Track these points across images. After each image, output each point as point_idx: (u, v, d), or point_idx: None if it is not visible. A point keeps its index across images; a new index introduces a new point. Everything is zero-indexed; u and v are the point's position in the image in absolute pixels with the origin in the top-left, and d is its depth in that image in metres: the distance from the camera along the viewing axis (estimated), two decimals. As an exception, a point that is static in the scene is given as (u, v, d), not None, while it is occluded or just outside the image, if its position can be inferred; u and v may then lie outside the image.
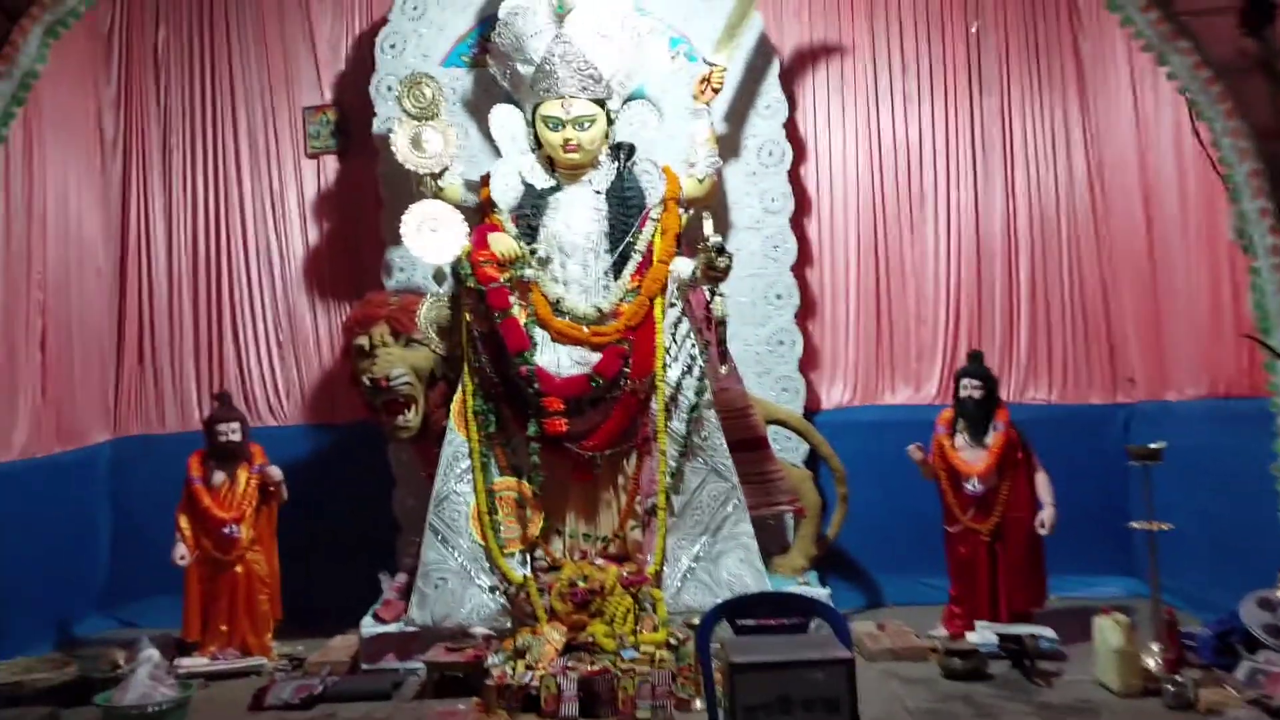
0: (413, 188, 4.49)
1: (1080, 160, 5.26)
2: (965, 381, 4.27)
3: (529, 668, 3.49)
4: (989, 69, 5.30)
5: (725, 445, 4.18)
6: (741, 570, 4.07)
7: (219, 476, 4.25)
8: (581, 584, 3.80)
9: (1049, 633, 3.94)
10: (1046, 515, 4.09)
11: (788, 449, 4.89)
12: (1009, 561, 4.12)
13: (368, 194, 5.03)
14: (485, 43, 4.70)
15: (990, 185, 5.30)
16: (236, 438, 4.28)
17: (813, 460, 4.87)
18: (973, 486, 4.16)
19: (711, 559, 4.08)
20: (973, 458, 4.19)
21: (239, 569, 4.22)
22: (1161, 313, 4.77)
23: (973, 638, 3.99)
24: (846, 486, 4.70)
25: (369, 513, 4.78)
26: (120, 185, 5.26)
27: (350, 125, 5.17)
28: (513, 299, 4.26)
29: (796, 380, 4.98)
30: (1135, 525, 3.74)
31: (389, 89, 4.76)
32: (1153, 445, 3.69)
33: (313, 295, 5.24)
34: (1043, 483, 4.16)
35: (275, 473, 4.31)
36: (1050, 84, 5.27)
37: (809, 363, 5.21)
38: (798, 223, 5.11)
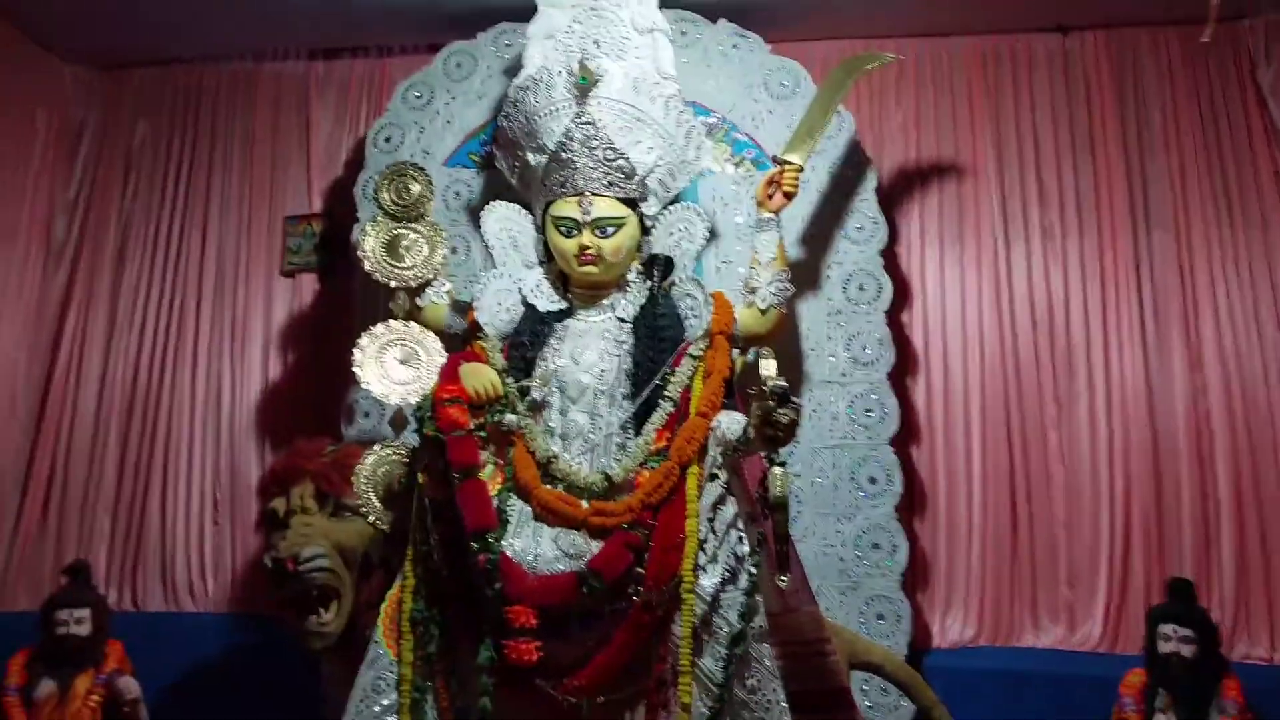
0: (383, 306, 3.41)
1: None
2: (1168, 629, 2.77)
3: None
4: (1158, 197, 4.03)
5: (784, 703, 2.71)
6: None
7: (45, 686, 3.01)
8: None
9: None
10: None
11: (882, 708, 3.36)
12: None
13: (346, 320, 3.96)
14: (501, 136, 3.71)
15: (1166, 350, 3.91)
16: (83, 631, 3.06)
17: (919, 727, 3.32)
18: (1189, 804, 2.56)
19: None
20: (1186, 753, 2.62)
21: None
22: None
23: None
24: (970, 772, 3.12)
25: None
26: (60, 300, 4.35)
27: (336, 238, 4.19)
28: (485, 455, 3.00)
29: (898, 603, 3.49)
30: None
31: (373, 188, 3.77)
32: None
33: (263, 446, 4.11)
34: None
35: (129, 687, 3.05)
36: (1244, 218, 3.95)
37: (916, 579, 3.75)
38: (899, 382, 3.80)
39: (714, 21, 3.91)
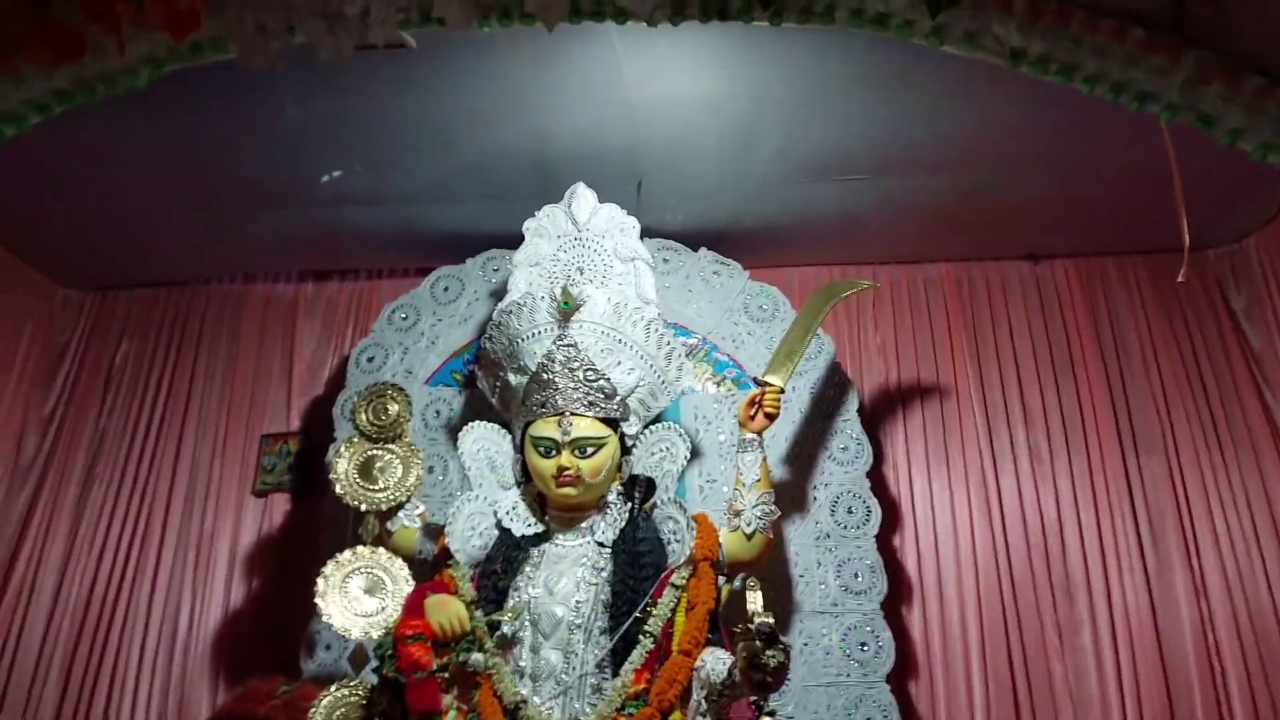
0: (350, 529, 3.27)
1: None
2: None
3: None
4: (1143, 421, 4.00)
5: None
6: None
7: None
8: None
9: None
10: None
11: None
12: None
13: (315, 542, 3.79)
14: (483, 356, 3.71)
15: (1168, 576, 3.76)
16: None
17: None
18: None
19: None
20: None
21: None
22: None
23: None
24: None
25: None
26: (20, 522, 4.17)
27: (311, 457, 4.10)
28: (447, 700, 2.79)
29: None
30: None
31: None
32: None
33: (216, 680, 3.81)
34: None
35: None
36: (1233, 439, 3.91)
37: (921, 833, 3.41)
38: (893, 611, 3.61)
39: (695, 250, 4.02)
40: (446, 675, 2.81)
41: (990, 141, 3.63)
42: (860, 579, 3.54)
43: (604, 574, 3.04)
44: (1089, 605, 3.73)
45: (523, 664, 2.90)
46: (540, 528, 3.19)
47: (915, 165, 3.77)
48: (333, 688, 2.96)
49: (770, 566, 3.35)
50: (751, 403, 3.27)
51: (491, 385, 3.48)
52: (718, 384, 3.84)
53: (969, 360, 4.18)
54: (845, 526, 3.61)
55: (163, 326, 4.49)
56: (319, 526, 3.71)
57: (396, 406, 3.36)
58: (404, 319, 4.01)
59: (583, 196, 3.63)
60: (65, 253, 4.36)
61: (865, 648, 3.43)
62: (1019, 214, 4.07)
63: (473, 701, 2.80)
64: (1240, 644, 3.60)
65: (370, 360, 3.93)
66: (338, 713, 2.91)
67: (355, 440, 3.31)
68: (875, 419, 4.06)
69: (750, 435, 3.23)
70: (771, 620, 2.54)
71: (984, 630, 3.70)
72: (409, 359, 3.93)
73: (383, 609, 3.06)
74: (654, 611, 2.95)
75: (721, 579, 3.10)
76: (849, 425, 3.75)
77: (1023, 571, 3.80)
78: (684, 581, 3.02)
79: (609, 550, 3.08)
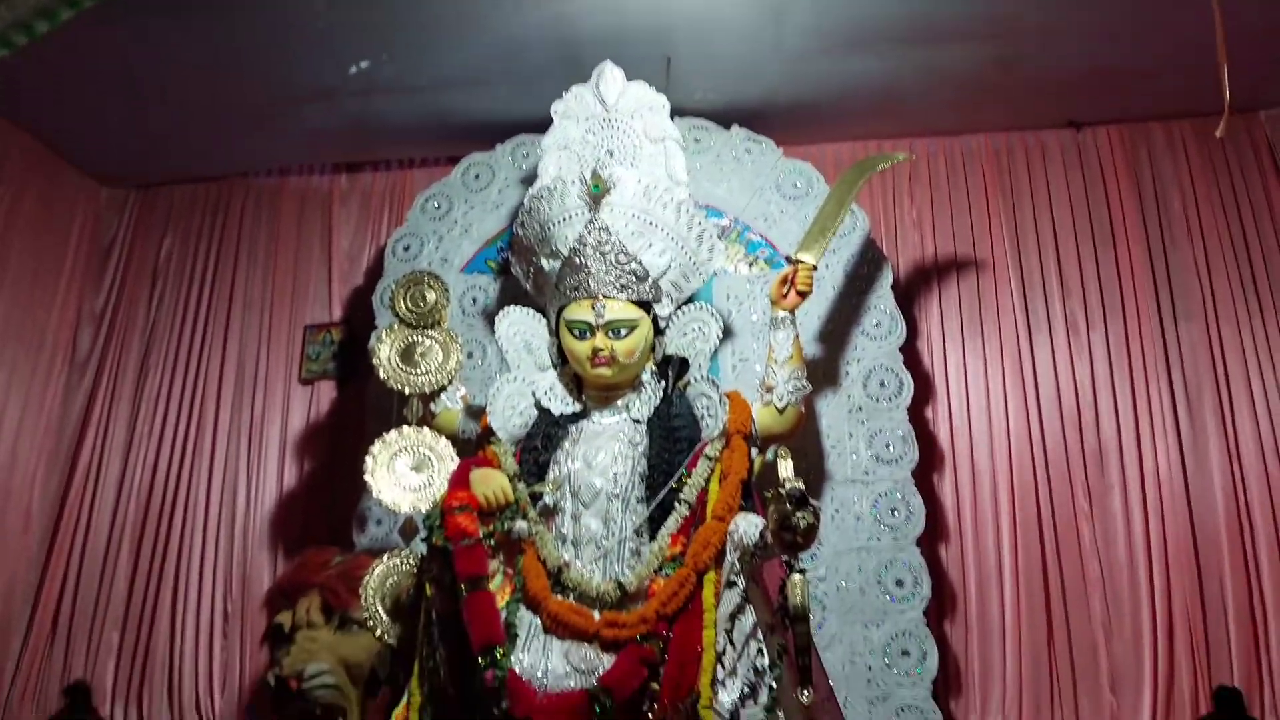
0: (395, 413, 3.38)
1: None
2: (1219, 739, 2.56)
3: None
4: (1183, 287, 3.96)
5: (809, 825, 2.53)
6: None
7: (39, 817, 2.90)
8: None
9: None
10: None
11: (917, 831, 3.16)
12: None
13: (361, 427, 3.93)
14: (517, 242, 3.74)
15: (1201, 442, 3.78)
16: (79, 754, 2.96)
17: None
18: None
19: None
20: None
21: None
22: None
23: None
24: None
25: None
26: (82, 412, 4.38)
27: (354, 346, 4.21)
28: (494, 565, 2.92)
29: (929, 713, 3.31)
30: None
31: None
32: None
33: (275, 556, 4.05)
34: None
35: (125, 813, 2.92)
36: (1276, 308, 3.86)
37: (949, 686, 3.57)
38: (925, 480, 3.70)
39: (727, 128, 3.97)
40: (492, 543, 2.94)
41: (1032, 5, 3.50)
42: (892, 449, 3.61)
43: (640, 448, 3.13)
44: (1120, 471, 3.77)
45: (564, 531, 3.03)
46: (577, 407, 3.27)
47: (953, 33, 3.65)
48: (384, 557, 3.13)
49: (802, 439, 3.43)
50: (784, 280, 3.28)
51: (525, 271, 3.53)
52: (750, 265, 3.85)
53: (1006, 232, 4.13)
54: (877, 399, 3.66)
55: (203, 221, 4.58)
56: (364, 412, 3.85)
57: (434, 294, 3.44)
58: (437, 208, 4.04)
59: (610, 76, 3.58)
60: (107, 152, 4.44)
61: (896, 514, 3.53)
62: (1060, 81, 3.95)
63: (518, 566, 2.94)
64: (1272, 506, 3.64)
65: (406, 249, 3.99)
66: (390, 580, 3.08)
67: (395, 327, 3.40)
68: (909, 294, 4.06)
69: (783, 313, 3.25)
70: (801, 485, 2.62)
71: (1015, 496, 3.76)
72: (444, 247, 3.98)
73: (429, 484, 3.20)
74: (688, 481, 3.05)
75: (754, 451, 3.17)
76: (882, 300, 3.76)
77: (1055, 440, 3.84)
78: (717, 453, 3.10)
79: (644, 426, 3.17)
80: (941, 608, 3.65)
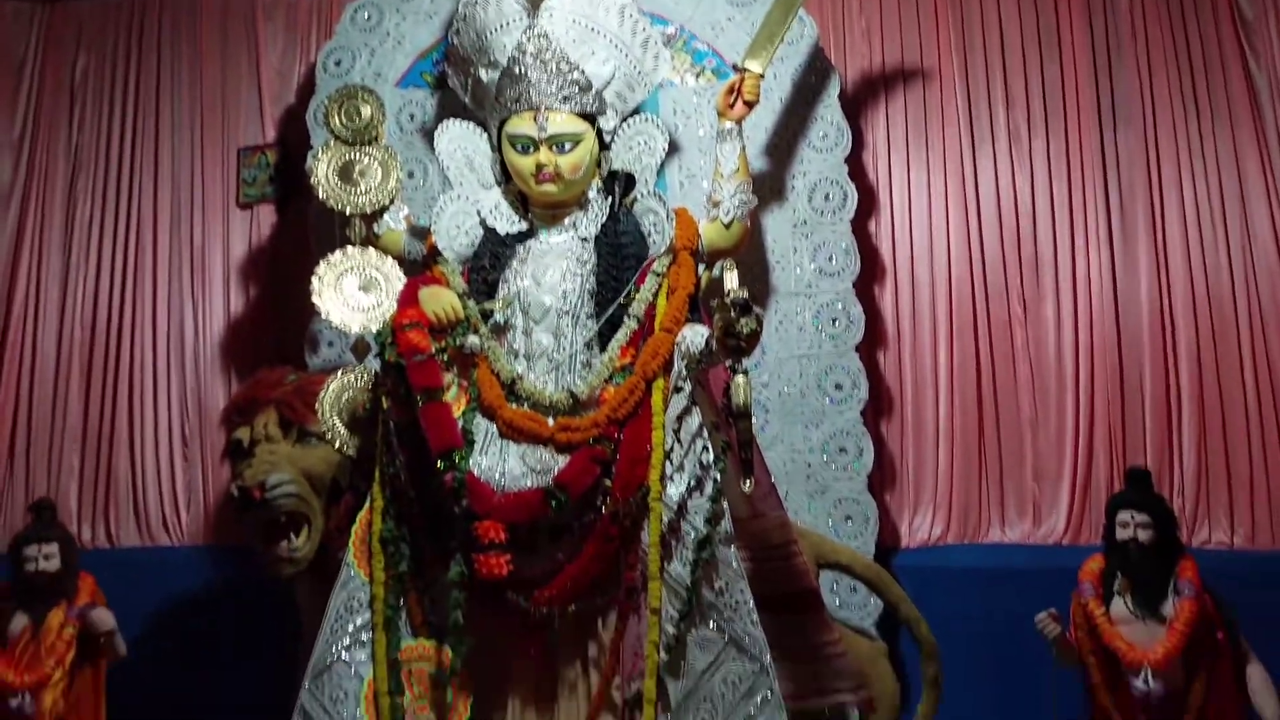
0: (338, 234, 3.34)
1: (1263, 216, 3.83)
2: (1125, 516, 2.79)
3: None
4: (1124, 94, 3.98)
5: (752, 602, 2.74)
6: (775, 802, 2.57)
7: (19, 621, 3.02)
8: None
9: None
10: (1274, 738, 2.52)
11: (851, 606, 3.43)
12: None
13: (304, 250, 3.89)
14: (452, 54, 3.60)
15: (1132, 249, 3.91)
16: (51, 566, 3.05)
17: (888, 625, 3.39)
18: (1145, 683, 2.64)
19: (727, 784, 2.60)
20: (1142, 636, 2.69)
21: (30, 759, 2.94)
22: None
23: None
24: (938, 665, 3.19)
25: (271, 675, 3.44)
26: (11, 243, 4.26)
27: (291, 168, 4.10)
28: (448, 377, 2.99)
29: (865, 505, 3.54)
30: None
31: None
32: None
33: (228, 377, 4.09)
34: (1260, 683, 2.63)
35: (103, 619, 3.06)
36: (1214, 113, 3.91)
37: (883, 481, 3.80)
38: (866, 290, 3.79)
39: (671, -71, 3.78)
40: (445, 358, 2.99)
41: None
42: (834, 261, 3.69)
43: (588, 266, 3.16)
44: (1054, 277, 3.91)
45: (516, 346, 3.09)
46: (524, 226, 3.26)
47: None
48: (339, 374, 3.17)
49: (748, 253, 3.46)
50: (730, 90, 3.24)
51: (463, 83, 3.42)
52: (696, 75, 3.78)
53: (954, 42, 4.08)
54: (822, 213, 3.70)
55: (119, 36, 4.33)
56: (307, 234, 3.80)
57: (369, 108, 3.32)
58: (367, 19, 3.86)
59: None
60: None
61: (836, 323, 3.65)
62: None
63: (472, 378, 3.01)
64: (1193, 307, 3.81)
65: (338, 64, 3.83)
66: (346, 395, 3.14)
67: (331, 144, 3.30)
68: (856, 105, 4.03)
69: (729, 124, 3.23)
70: (745, 293, 2.69)
71: (952, 304, 3.90)
72: (377, 61, 3.83)
73: (378, 305, 3.19)
74: (636, 297, 3.11)
75: (701, 267, 3.22)
76: (829, 111, 3.73)
77: (993, 248, 3.94)
78: (665, 269, 3.14)
79: (592, 244, 3.18)
80: (878, 409, 3.84)
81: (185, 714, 3.59)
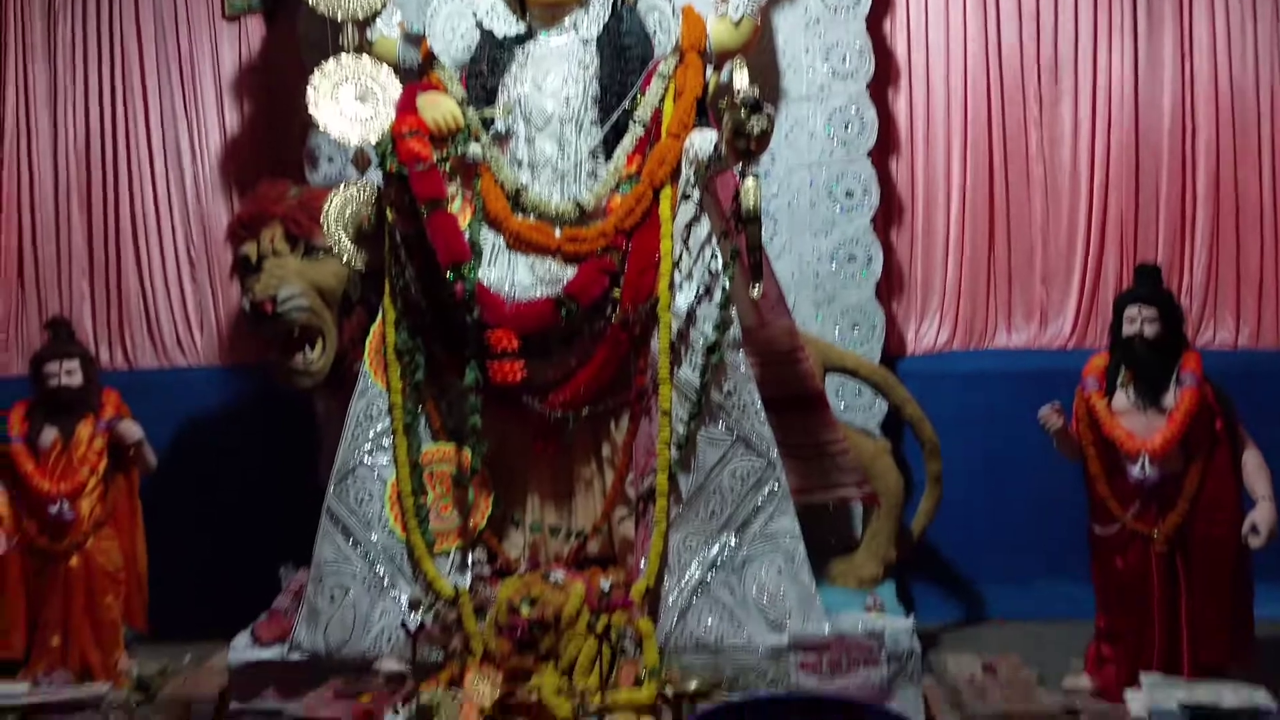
0: (330, 43, 3.21)
1: (1291, -6, 3.66)
2: (1133, 311, 2.78)
3: (434, 743, 2.25)
4: None
5: (759, 403, 2.80)
6: (780, 586, 2.70)
7: (48, 435, 3.11)
8: (526, 610, 2.51)
9: (1267, 700, 2.51)
10: (1261, 517, 2.62)
11: (856, 409, 3.51)
12: (1199, 586, 2.67)
13: (296, 63, 3.75)
14: None
15: (1156, 46, 3.74)
16: (74, 381, 3.12)
17: (893, 425, 3.48)
18: (1142, 470, 2.72)
19: (735, 567, 2.73)
20: (1142, 426, 2.74)
21: (75, 561, 3.09)
22: None
23: (1135, 701, 2.61)
24: (940, 463, 3.30)
25: (294, 485, 3.56)
26: (-7, 65, 4.11)
27: (281, -27, 3.90)
28: (451, 188, 2.95)
29: (873, 312, 3.56)
30: None
31: (314, -91, 3.44)
32: None
33: (229, 197, 4.03)
34: (1255, 467, 2.70)
35: (131, 430, 3.15)
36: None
37: (891, 289, 3.81)
38: (879, 94, 3.67)
39: None
40: (447, 167, 2.94)
41: None
42: (848, 62, 3.54)
43: (591, 70, 3.05)
44: (1074, 76, 3.76)
45: (519, 155, 3.03)
46: (522, 27, 3.13)
47: None
48: (341, 187, 3.13)
49: (758, 56, 3.33)
50: (738, -126, 3.03)
51: None
52: None
53: None
54: (835, 10, 3.53)
55: None
56: (298, 46, 3.65)
57: (354, -94, 3.12)
58: None
59: None
60: None
61: (849, 128, 3.54)
62: None
63: (476, 189, 2.97)
64: (1216, 113, 3.69)
65: None
66: (350, 209, 3.10)
67: (319, -56, 3.12)
68: (871, -108, 3.76)
69: (734, -87, 3.04)
70: (756, 91, 2.61)
71: (968, 107, 3.78)
72: None
73: (376, 116, 3.09)
74: (642, 101, 3.01)
75: (709, 69, 3.11)
76: (842, -100, 3.50)
77: (1012, 46, 3.78)
78: (671, 71, 3.04)
79: (594, 45, 3.06)
80: (889, 217, 3.79)
81: (215, 524, 3.75)
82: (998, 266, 3.80)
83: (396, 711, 2.39)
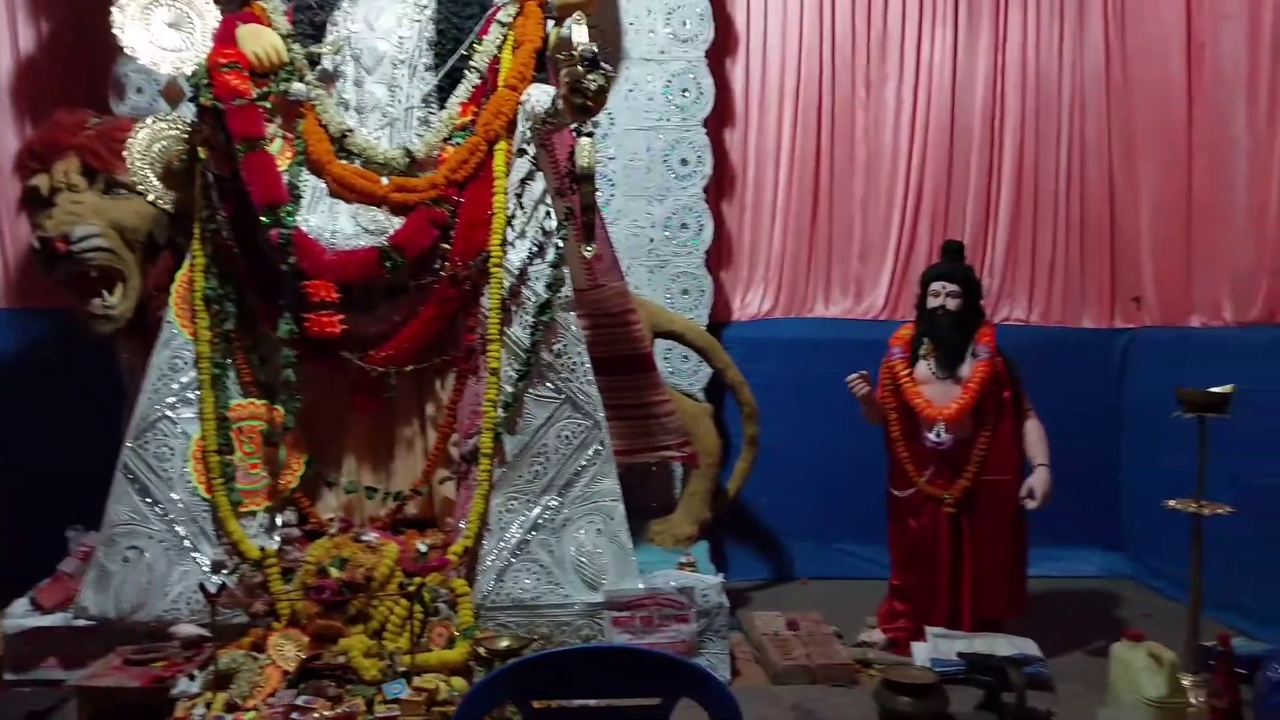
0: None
1: (1095, 8, 3.94)
2: (937, 286, 2.97)
3: (232, 707, 2.16)
4: None
5: (589, 364, 2.82)
6: (598, 545, 2.74)
7: None
8: (335, 572, 2.45)
9: (1034, 650, 2.77)
10: (1037, 481, 2.86)
11: (682, 373, 3.61)
12: (982, 545, 2.90)
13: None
14: None
15: (974, 36, 3.95)
16: None
17: (716, 389, 3.59)
18: (937, 436, 2.91)
19: (556, 528, 2.75)
20: (940, 395, 2.93)
21: None
22: (1196, 214, 3.54)
23: (920, 652, 2.81)
24: (758, 426, 3.43)
25: (93, 440, 3.31)
26: None
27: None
28: (271, 127, 2.79)
29: (702, 279, 3.65)
30: (1174, 504, 2.54)
31: None
32: (1217, 389, 2.48)
33: (22, 123, 3.65)
34: (1035, 435, 2.93)
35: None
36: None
37: (720, 257, 3.91)
38: (717, 62, 3.73)
39: None
40: (268, 105, 2.78)
41: None
42: (689, 26, 3.58)
43: (427, 11, 2.95)
44: (899, 59, 3.92)
45: (346, 97, 2.90)
46: (354, -37, 2.98)
47: None
48: (148, 121, 2.91)
49: (600, 15, 3.28)
50: None
51: None
52: None
53: None
54: (678, -27, 3.55)
55: None
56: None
57: None
58: None
59: None
60: None
61: (686, 94, 3.59)
62: None
63: (298, 130, 2.82)
64: (1023, 100, 3.94)
65: None
66: (158, 145, 2.89)
67: None
68: None
69: None
70: (595, 48, 2.58)
71: (800, 82, 3.88)
72: None
73: (190, 43, 2.89)
74: (479, 48, 2.94)
75: (550, 23, 3.05)
76: None
77: (844, 27, 3.90)
78: (510, 19, 2.97)
79: (430, -14, 2.95)
80: (720, 187, 3.87)
81: (15, 474, 3.44)
82: (819, 240, 3.95)
83: (192, 677, 2.28)
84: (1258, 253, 3.21)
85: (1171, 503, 2.55)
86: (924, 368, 2.97)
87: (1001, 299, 3.94)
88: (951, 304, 2.93)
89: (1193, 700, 2.36)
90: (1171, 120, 3.61)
